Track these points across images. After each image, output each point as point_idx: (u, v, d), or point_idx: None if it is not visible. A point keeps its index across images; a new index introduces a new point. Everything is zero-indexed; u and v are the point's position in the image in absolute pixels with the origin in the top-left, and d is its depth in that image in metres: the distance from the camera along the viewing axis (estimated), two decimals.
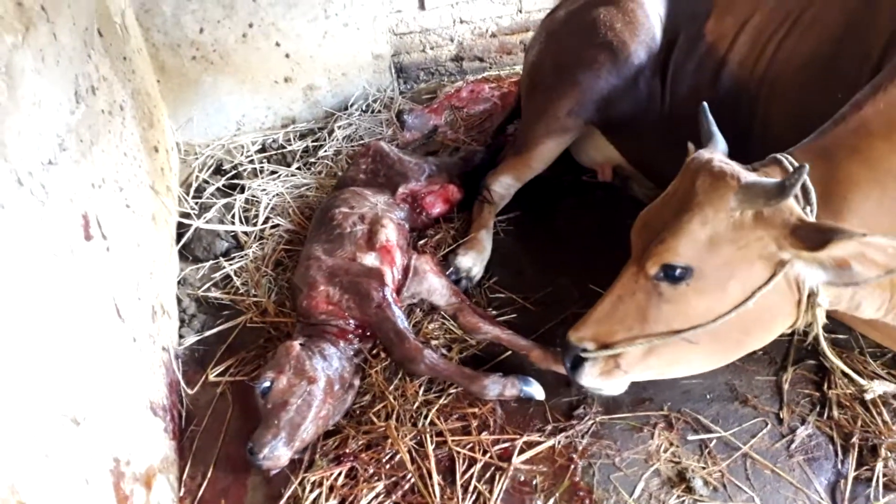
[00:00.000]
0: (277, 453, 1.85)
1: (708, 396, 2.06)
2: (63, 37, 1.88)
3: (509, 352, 2.26)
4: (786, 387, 2.05)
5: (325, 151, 3.31)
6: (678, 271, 1.60)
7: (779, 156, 1.64)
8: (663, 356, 1.73)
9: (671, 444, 1.93)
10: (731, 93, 2.19)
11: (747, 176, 1.56)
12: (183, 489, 1.98)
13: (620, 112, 2.49)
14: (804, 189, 1.53)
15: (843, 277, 1.49)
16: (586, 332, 1.77)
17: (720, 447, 1.92)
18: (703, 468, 1.86)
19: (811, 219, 1.51)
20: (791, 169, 1.58)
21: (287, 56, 3.51)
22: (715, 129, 1.74)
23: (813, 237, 1.45)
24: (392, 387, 2.18)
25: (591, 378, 1.81)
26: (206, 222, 2.83)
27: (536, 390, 2.08)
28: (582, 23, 2.54)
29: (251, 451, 1.85)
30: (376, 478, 1.92)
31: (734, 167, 1.60)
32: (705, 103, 1.78)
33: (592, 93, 2.48)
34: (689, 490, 1.82)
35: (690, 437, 1.95)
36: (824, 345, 1.66)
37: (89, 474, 1.36)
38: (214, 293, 2.63)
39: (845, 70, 1.88)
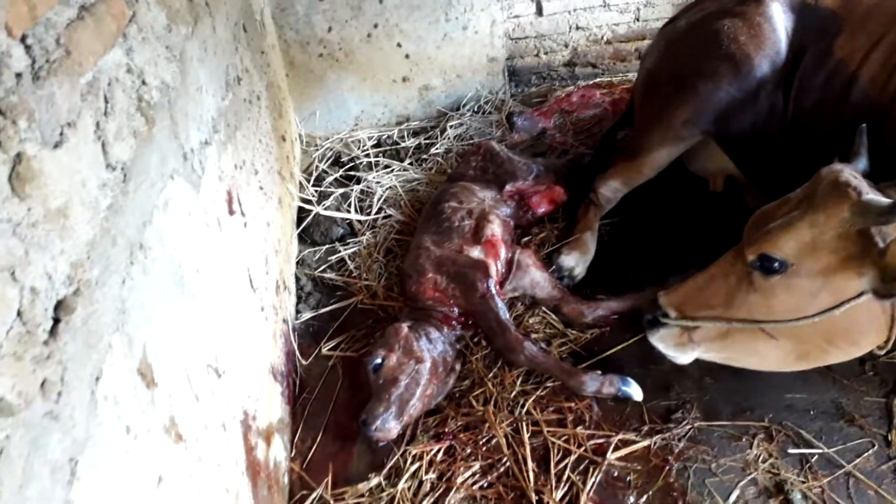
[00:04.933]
0: (388, 426, 1.98)
1: (812, 412, 2.02)
2: (220, 30, 2.09)
3: (609, 350, 2.29)
4: None
5: (437, 149, 3.44)
6: (775, 264, 1.66)
7: None
8: (738, 342, 1.81)
9: (770, 456, 1.92)
10: (860, 109, 2.15)
11: (868, 193, 1.57)
12: (294, 451, 2.14)
13: (739, 124, 2.47)
14: None
15: None
16: (674, 299, 1.87)
17: (822, 464, 1.89)
18: (803, 482, 1.84)
19: None
20: None
21: (407, 56, 3.68)
22: (864, 150, 1.76)
23: None
24: (491, 374, 2.26)
25: (663, 342, 1.93)
26: (325, 209, 3.02)
27: (635, 390, 2.11)
28: (704, 33, 2.53)
29: (364, 423, 1.99)
30: (473, 458, 2.01)
31: (860, 182, 1.61)
32: (864, 125, 1.80)
33: (711, 104, 2.47)
34: (787, 502, 1.80)
35: (791, 451, 1.92)
36: None
37: (226, 421, 1.53)
38: (329, 275, 2.81)
39: None
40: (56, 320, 0.88)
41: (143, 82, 1.36)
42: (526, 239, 2.77)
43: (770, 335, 1.75)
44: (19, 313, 0.81)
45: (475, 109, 3.77)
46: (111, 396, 0.99)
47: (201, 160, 1.69)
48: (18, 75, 0.88)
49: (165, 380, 1.21)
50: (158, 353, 1.20)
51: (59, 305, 0.89)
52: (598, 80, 3.99)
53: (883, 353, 1.73)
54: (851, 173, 1.66)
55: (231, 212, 1.92)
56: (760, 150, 2.46)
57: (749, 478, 1.87)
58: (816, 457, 1.90)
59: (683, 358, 1.98)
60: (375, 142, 3.60)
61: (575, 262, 2.57)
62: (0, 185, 0.83)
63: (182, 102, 1.57)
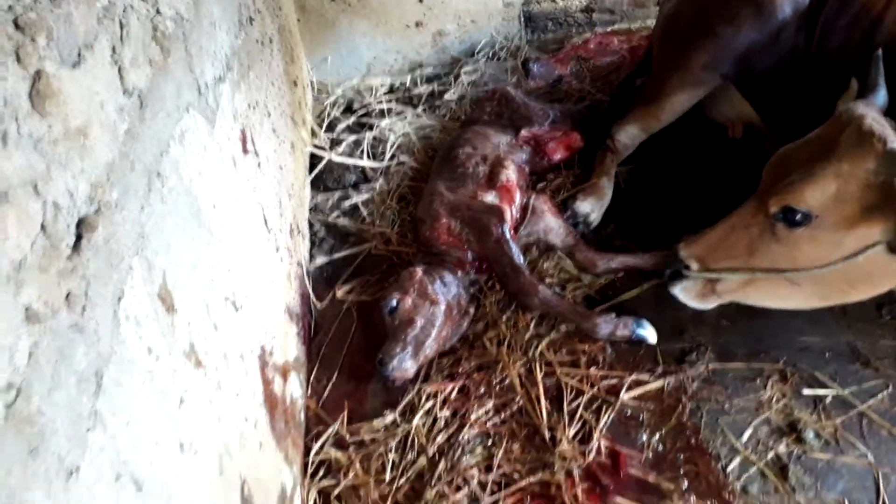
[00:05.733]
0: (405, 365, 2.00)
1: (827, 355, 2.02)
2: None
3: (623, 295, 2.29)
4: None
5: (451, 96, 3.40)
6: (798, 216, 1.64)
7: None
8: (761, 290, 1.80)
9: (784, 396, 1.93)
10: (885, 51, 2.10)
11: (894, 142, 1.53)
12: (310, 389, 2.17)
13: (759, 67, 2.42)
14: None
15: None
16: (695, 251, 1.85)
17: (836, 404, 1.90)
18: (816, 422, 1.85)
19: None
20: None
21: (420, 1, 3.60)
22: (882, 80, 1.70)
23: None
24: (505, 317, 2.27)
25: (685, 294, 1.93)
26: (338, 155, 3.00)
27: (649, 333, 2.11)
28: None
29: (381, 363, 2.01)
30: (487, 396, 2.04)
31: (885, 129, 1.57)
32: (880, 50, 1.74)
33: (731, 47, 2.42)
34: (800, 441, 1.82)
35: (805, 392, 1.93)
36: None
37: (244, 353, 1.55)
38: (343, 221, 2.81)
39: None
40: (79, 237, 0.88)
41: (158, 11, 1.35)
42: (541, 185, 2.75)
43: (793, 282, 1.74)
44: (43, 227, 0.82)
45: (490, 56, 3.71)
46: (133, 317, 1.00)
47: (216, 96, 1.68)
48: None
49: (185, 307, 1.22)
50: (177, 280, 1.21)
51: (81, 223, 0.90)
52: (616, 26, 3.90)
53: None
54: (875, 118, 1.62)
55: (245, 151, 1.91)
56: (780, 94, 2.41)
57: (762, 417, 1.89)
58: (830, 398, 1.91)
59: (705, 307, 1.98)
60: (388, 88, 3.56)
61: (590, 207, 2.56)
62: (21, 102, 0.83)
63: (196, 35, 1.56)
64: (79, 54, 0.99)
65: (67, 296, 0.83)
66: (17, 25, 0.84)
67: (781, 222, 1.68)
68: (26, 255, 0.78)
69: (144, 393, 1.00)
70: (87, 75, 0.99)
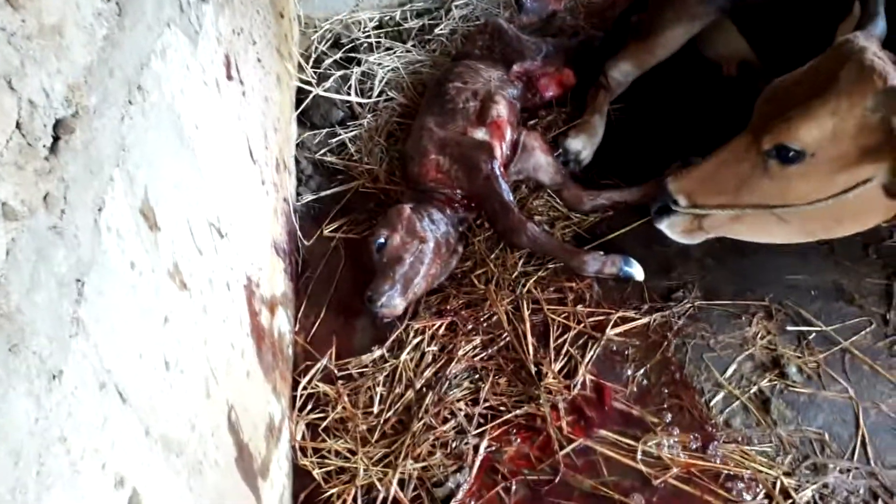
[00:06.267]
0: (394, 302, 1.99)
1: (812, 293, 2.04)
2: None
3: (612, 234, 2.28)
4: None
5: (441, 30, 3.31)
6: (792, 153, 1.61)
7: None
8: (748, 225, 1.80)
9: (768, 333, 1.95)
10: None
11: (894, 78, 1.50)
12: (298, 325, 2.16)
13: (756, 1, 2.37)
14: None
15: None
16: (683, 185, 1.83)
17: (819, 341, 1.92)
18: (799, 357, 1.88)
19: None
20: None
21: None
22: (881, 8, 1.65)
23: None
24: (493, 255, 2.26)
25: (672, 229, 1.93)
26: (325, 91, 2.93)
27: (636, 270, 2.11)
28: None
29: (370, 299, 1.99)
30: (474, 333, 2.04)
31: (886, 65, 1.53)
32: None
33: None
34: (783, 375, 1.84)
35: (789, 328, 1.95)
36: None
37: (230, 281, 1.52)
38: (330, 158, 2.75)
39: None
40: (56, 138, 0.84)
41: None
42: (532, 122, 2.71)
43: (781, 218, 1.73)
44: (18, 124, 0.78)
45: None
46: (114, 229, 0.97)
47: (198, 16, 1.61)
48: None
49: (168, 226, 1.19)
50: (160, 198, 1.17)
51: (58, 124, 0.85)
52: None
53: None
54: (875, 52, 1.58)
55: (229, 77, 1.85)
56: (777, 27, 2.37)
57: (746, 353, 1.91)
58: (814, 334, 1.93)
59: (691, 241, 1.98)
60: (377, 23, 3.44)
61: (582, 145, 2.52)
62: None
63: None
64: None
65: (45, 196, 0.79)
66: None
67: (774, 159, 1.65)
68: (1, 152, 0.74)
69: (127, 306, 0.97)
70: None
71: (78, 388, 0.79)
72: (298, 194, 2.61)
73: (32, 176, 0.78)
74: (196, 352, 1.22)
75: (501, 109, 2.48)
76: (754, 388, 1.84)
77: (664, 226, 1.93)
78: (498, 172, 2.27)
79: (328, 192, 2.63)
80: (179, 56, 1.42)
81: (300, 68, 3.04)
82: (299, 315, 2.19)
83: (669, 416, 1.81)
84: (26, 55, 0.82)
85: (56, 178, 0.82)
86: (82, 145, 0.90)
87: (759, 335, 1.95)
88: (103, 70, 1.02)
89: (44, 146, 0.82)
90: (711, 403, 1.83)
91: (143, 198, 1.11)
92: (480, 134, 2.41)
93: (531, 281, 2.16)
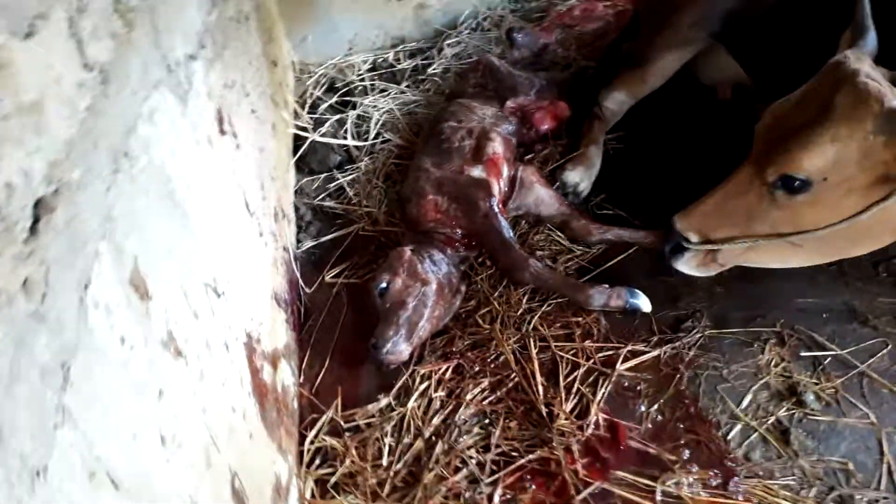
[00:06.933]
0: (399, 348, 1.96)
1: (824, 315, 1.99)
2: None
3: (615, 260, 2.25)
4: None
5: (434, 69, 3.32)
6: (797, 183, 1.59)
7: None
8: (762, 254, 1.78)
9: (782, 360, 1.90)
10: None
11: (892, 100, 1.48)
12: (302, 376, 2.12)
13: (748, 24, 2.36)
14: None
15: None
16: (692, 223, 1.81)
17: (835, 365, 1.87)
18: (816, 384, 1.83)
19: None
20: None
21: None
22: (869, 22, 1.63)
23: None
24: (496, 293, 2.23)
25: (687, 266, 1.91)
26: (321, 136, 2.93)
27: (643, 302, 2.07)
28: None
29: (375, 347, 1.96)
30: (481, 375, 1.99)
31: (881, 86, 1.51)
32: None
33: (717, 3, 2.36)
34: (800, 404, 1.79)
35: (803, 354, 1.90)
36: None
37: (228, 341, 1.49)
38: (329, 203, 2.74)
39: None
40: (36, 219, 0.82)
41: None
42: (529, 157, 2.69)
43: (795, 244, 1.71)
44: None
45: (473, 27, 3.61)
46: (102, 304, 0.95)
47: (188, 75, 1.60)
48: None
49: (161, 294, 1.16)
50: (151, 266, 1.15)
51: (38, 204, 0.83)
52: None
53: None
54: (867, 73, 1.55)
55: (222, 131, 1.84)
56: (770, 50, 2.36)
57: (761, 382, 1.86)
58: (829, 359, 1.88)
59: (708, 274, 1.96)
60: (371, 66, 3.47)
61: (580, 177, 2.50)
62: None
63: (163, 10, 1.47)
64: (31, 25, 0.92)
65: (25, 282, 0.77)
66: None
67: (780, 190, 1.63)
68: None
69: (118, 385, 0.95)
70: (40, 46, 0.92)
71: (64, 481, 0.76)
72: (298, 241, 2.60)
73: (10, 262, 0.76)
74: (194, 422, 1.18)
75: (497, 146, 2.47)
76: (772, 419, 1.78)
77: (680, 265, 1.91)
78: (496, 210, 2.26)
79: (328, 237, 2.61)
80: (168, 117, 1.41)
81: (296, 115, 3.06)
82: (303, 365, 2.15)
83: (687, 452, 1.75)
84: (4, 136, 0.80)
85: (36, 260, 0.80)
86: (64, 223, 0.88)
87: (773, 362, 1.90)
88: (86, 142, 1.01)
89: (22, 228, 0.80)
90: (729, 437, 1.77)
91: (133, 268, 1.09)
92: (477, 172, 2.39)
93: (536, 317, 2.12)
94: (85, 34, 1.08)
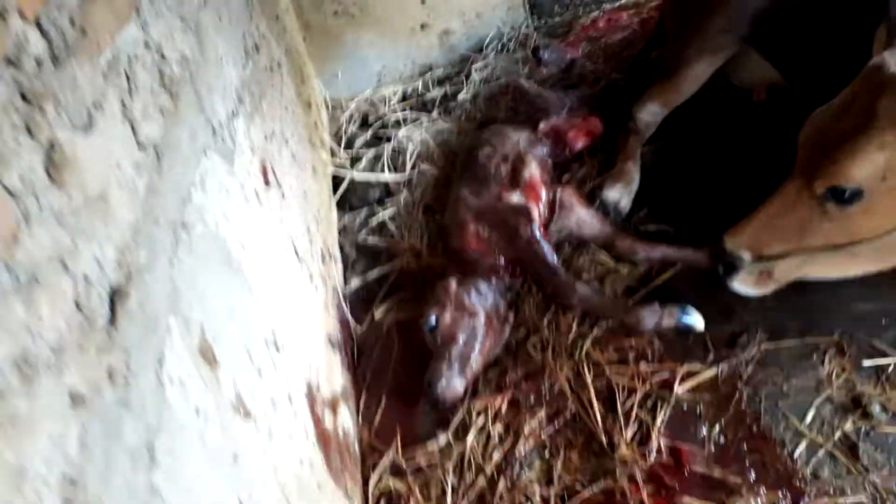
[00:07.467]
0: (454, 384, 1.97)
1: (884, 321, 1.93)
2: None
3: (664, 276, 2.22)
4: None
5: (464, 95, 3.35)
6: (847, 194, 1.56)
7: None
8: (819, 267, 1.75)
9: (843, 370, 1.85)
10: None
11: None
12: (361, 418, 2.14)
13: (777, 24, 2.34)
14: None
15: None
16: (742, 241, 1.78)
17: None
18: (881, 394, 1.77)
19: None
20: None
21: (423, 2, 3.56)
22: None
23: None
24: (545, 321, 2.21)
25: (743, 286, 1.86)
26: (360, 172, 2.98)
27: (696, 319, 2.03)
28: None
29: (429, 384, 1.97)
30: (538, 406, 1.98)
31: None
32: None
33: (747, 6, 2.34)
34: (866, 416, 1.74)
35: (866, 363, 1.84)
36: None
37: (291, 393, 1.52)
38: (372, 239, 2.77)
39: None
40: (113, 307, 0.86)
41: (163, 56, 1.33)
42: (566, 177, 2.69)
43: (853, 253, 1.68)
44: (77, 304, 0.80)
45: (499, 49, 3.64)
46: (176, 379, 0.98)
47: (231, 133, 1.66)
48: (38, 60, 0.85)
49: (226, 358, 1.20)
50: (216, 331, 1.19)
51: (113, 292, 0.87)
52: (624, 1, 3.81)
53: None
54: None
55: (267, 183, 1.89)
56: (802, 49, 2.33)
57: (824, 396, 1.81)
58: (892, 366, 1.83)
59: (766, 292, 1.92)
60: (401, 96, 3.53)
61: (619, 194, 2.48)
62: (37, 176, 0.81)
63: (203, 74, 1.53)
64: (89, 116, 0.96)
65: (109, 371, 0.81)
66: (24, 98, 0.82)
67: (830, 201, 1.61)
68: (63, 336, 0.76)
69: (198, 455, 0.98)
70: (100, 136, 0.97)
71: None
72: (346, 280, 2.63)
73: (95, 354, 0.79)
74: (267, 481, 1.21)
75: (533, 170, 2.47)
76: (838, 433, 1.74)
77: (735, 284, 1.88)
78: (538, 235, 2.26)
79: (374, 273, 2.63)
80: (217, 180, 1.45)
81: (333, 153, 3.11)
82: (361, 406, 2.17)
83: (753, 473, 1.72)
84: (76, 230, 0.85)
85: (118, 348, 0.84)
86: (138, 306, 0.92)
87: (835, 374, 1.85)
88: (148, 221, 1.05)
89: (102, 318, 0.84)
90: (795, 455, 1.73)
91: (201, 336, 1.12)
92: (515, 198, 2.40)
93: (588, 343, 2.11)
94: (137, 114, 1.13)
